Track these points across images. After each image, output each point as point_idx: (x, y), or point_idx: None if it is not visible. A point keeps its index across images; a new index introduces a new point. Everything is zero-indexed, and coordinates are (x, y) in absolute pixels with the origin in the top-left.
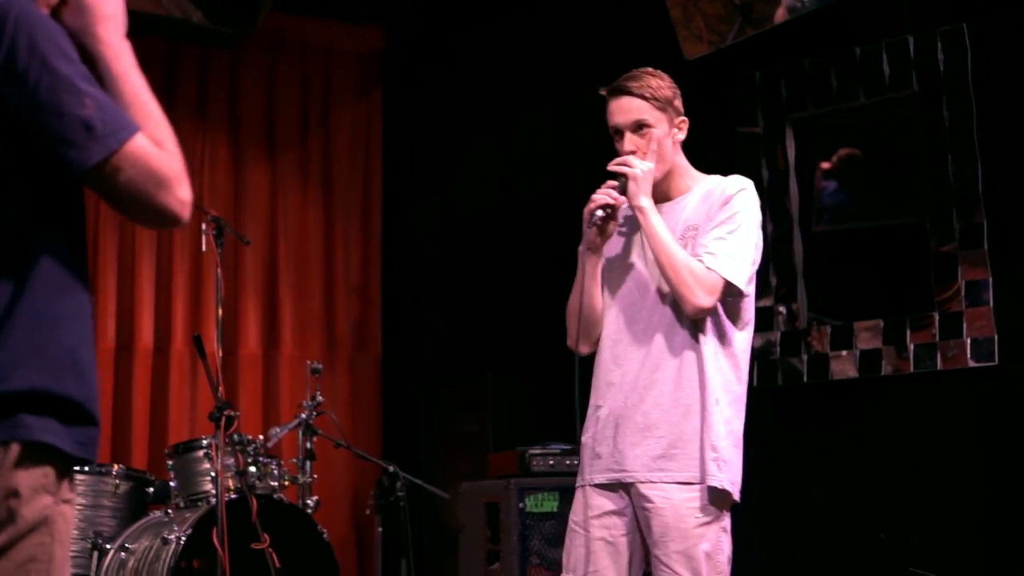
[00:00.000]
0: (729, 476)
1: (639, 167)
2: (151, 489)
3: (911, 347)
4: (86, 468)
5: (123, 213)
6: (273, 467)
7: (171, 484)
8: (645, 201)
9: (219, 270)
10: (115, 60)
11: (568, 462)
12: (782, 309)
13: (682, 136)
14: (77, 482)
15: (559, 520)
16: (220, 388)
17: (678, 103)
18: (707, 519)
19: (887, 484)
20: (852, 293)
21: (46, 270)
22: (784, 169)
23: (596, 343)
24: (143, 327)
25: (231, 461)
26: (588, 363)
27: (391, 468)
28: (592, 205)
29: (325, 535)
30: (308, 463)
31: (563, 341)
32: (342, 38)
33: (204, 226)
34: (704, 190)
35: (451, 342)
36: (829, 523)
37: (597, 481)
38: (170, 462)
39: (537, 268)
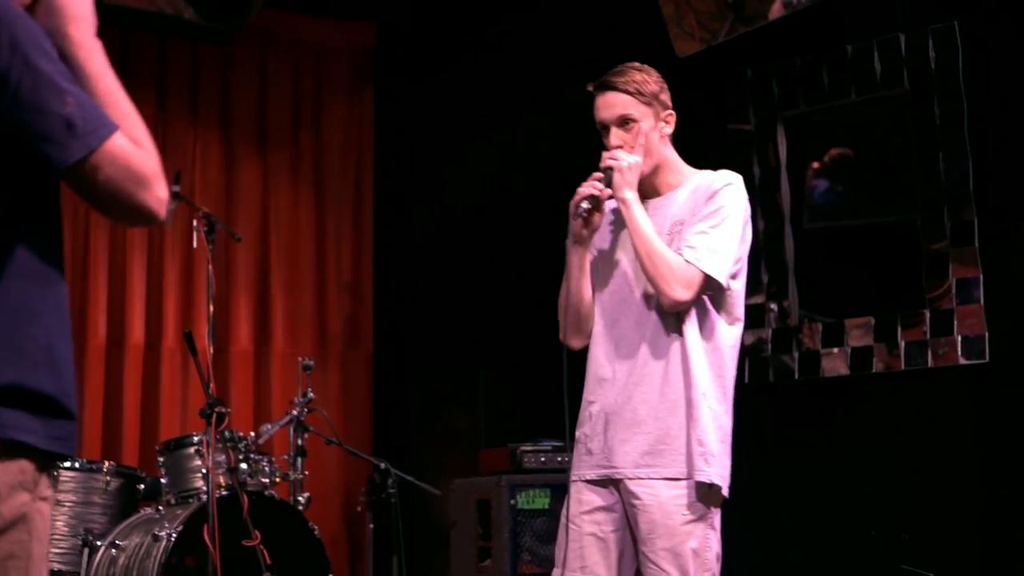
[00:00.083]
0: (717, 471)
1: (625, 160)
2: (142, 486)
3: (902, 344)
4: (76, 465)
5: (101, 211)
6: (264, 464)
7: (162, 481)
8: (629, 193)
9: (210, 267)
10: (88, 60)
11: (559, 459)
12: (773, 306)
13: (669, 130)
14: (67, 479)
15: (550, 517)
16: (211, 385)
17: (665, 97)
18: (695, 516)
19: (878, 481)
20: (843, 290)
21: (22, 264)
22: (775, 166)
23: (588, 337)
24: (134, 324)
25: (222, 458)
26: (577, 359)
27: (382, 465)
28: (577, 197)
29: (316, 532)
30: (299, 460)
31: (555, 338)
32: (334, 35)
33: (195, 223)
34: (693, 185)
35: (443, 339)
36: (820, 520)
37: (588, 477)
38: (161, 459)
39: (528, 265)
